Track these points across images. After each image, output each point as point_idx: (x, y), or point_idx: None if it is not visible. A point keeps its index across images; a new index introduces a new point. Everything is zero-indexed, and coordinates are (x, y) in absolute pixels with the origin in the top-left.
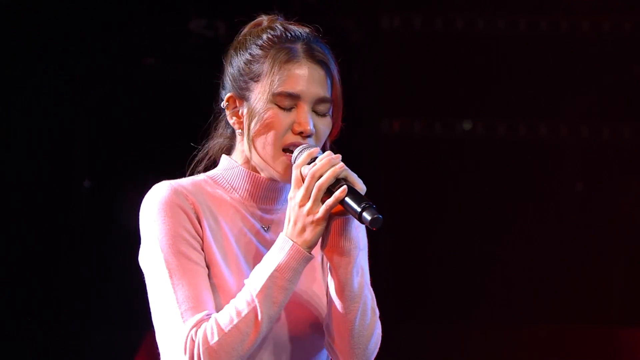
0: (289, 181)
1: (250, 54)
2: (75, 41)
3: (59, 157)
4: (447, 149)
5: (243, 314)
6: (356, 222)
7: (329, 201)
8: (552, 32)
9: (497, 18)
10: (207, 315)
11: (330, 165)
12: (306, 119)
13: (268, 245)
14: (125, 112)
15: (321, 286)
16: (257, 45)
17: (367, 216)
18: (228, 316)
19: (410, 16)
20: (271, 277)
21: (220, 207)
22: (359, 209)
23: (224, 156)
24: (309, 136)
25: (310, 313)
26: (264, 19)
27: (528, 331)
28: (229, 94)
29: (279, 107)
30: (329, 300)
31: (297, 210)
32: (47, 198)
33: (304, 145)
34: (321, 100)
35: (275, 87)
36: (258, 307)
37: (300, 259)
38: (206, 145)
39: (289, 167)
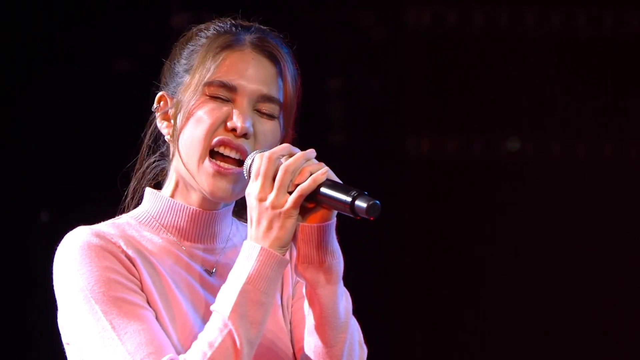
0: (220, 198)
1: (190, 45)
2: (32, 41)
3: (10, 183)
4: (489, 173)
5: (217, 344)
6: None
7: (304, 185)
8: (619, 30)
9: (550, 13)
10: (171, 358)
11: (305, 159)
12: (241, 114)
13: (215, 292)
14: (92, 128)
15: (282, 324)
16: (201, 37)
17: (361, 204)
18: (199, 352)
19: (443, 11)
20: (243, 292)
21: (152, 251)
22: (348, 198)
23: (147, 189)
24: (243, 136)
25: (276, 355)
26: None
27: None
28: (160, 94)
29: (211, 98)
30: (308, 334)
31: (257, 205)
32: None
33: (259, 150)
34: (265, 99)
35: (207, 75)
36: (234, 331)
37: (274, 264)
38: (136, 176)
39: (213, 178)
